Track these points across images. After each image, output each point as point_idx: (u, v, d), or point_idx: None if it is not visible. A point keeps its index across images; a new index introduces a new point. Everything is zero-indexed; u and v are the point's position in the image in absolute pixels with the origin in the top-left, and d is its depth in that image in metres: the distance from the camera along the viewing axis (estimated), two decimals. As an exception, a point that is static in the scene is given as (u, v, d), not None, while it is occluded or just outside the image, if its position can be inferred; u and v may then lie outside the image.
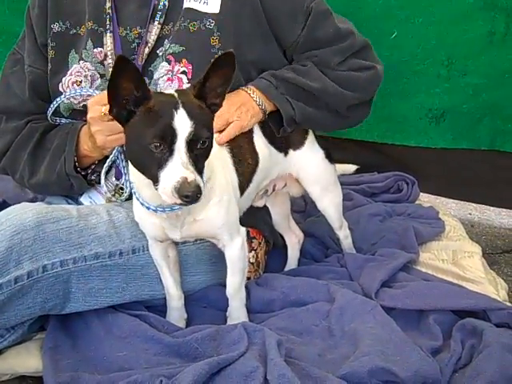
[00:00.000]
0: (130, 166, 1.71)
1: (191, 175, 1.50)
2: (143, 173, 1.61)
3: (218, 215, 1.81)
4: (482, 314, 1.88)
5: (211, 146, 1.62)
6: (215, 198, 1.79)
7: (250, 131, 2.03)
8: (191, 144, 1.54)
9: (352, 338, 1.78)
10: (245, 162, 1.96)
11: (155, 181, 1.56)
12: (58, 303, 1.81)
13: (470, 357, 1.70)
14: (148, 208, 1.72)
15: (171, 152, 1.53)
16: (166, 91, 1.66)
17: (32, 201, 2.27)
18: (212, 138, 1.61)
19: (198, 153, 1.56)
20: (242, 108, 2.00)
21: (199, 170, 1.55)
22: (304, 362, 1.69)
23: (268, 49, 2.12)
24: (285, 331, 1.86)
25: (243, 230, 1.94)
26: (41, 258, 1.75)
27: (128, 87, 1.56)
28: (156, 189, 1.56)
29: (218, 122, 1.86)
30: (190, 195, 1.50)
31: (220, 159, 1.86)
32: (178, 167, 1.51)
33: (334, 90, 2.12)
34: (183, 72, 2.02)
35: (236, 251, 1.89)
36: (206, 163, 1.64)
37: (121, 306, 1.93)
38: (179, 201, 1.52)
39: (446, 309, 1.87)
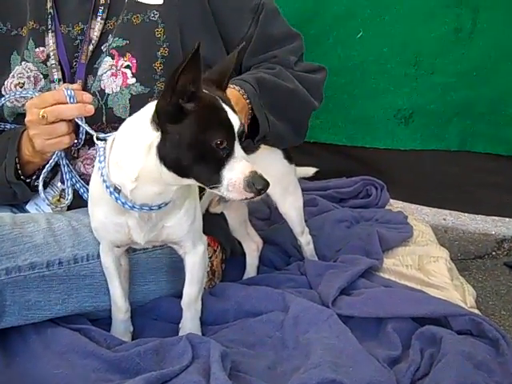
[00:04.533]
0: (139, 163, 1.55)
1: (258, 168, 1.48)
2: (189, 174, 1.50)
3: (187, 222, 1.74)
4: (443, 320, 1.79)
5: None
6: (186, 204, 1.71)
7: None
8: (240, 138, 1.50)
9: (305, 348, 1.68)
10: None
11: (214, 181, 1.47)
12: (-9, 317, 1.70)
13: (429, 366, 1.61)
14: (124, 204, 1.60)
15: (232, 148, 1.47)
16: None
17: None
18: None
19: (243, 146, 1.52)
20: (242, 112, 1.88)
21: None
22: (252, 375, 1.60)
23: (214, 46, 2.04)
24: (236, 343, 1.77)
25: (205, 237, 1.86)
26: None
27: (188, 80, 1.45)
28: (214, 188, 1.48)
29: None
30: (263, 188, 1.47)
31: None
32: (244, 162, 1.48)
33: (303, 92, 2.07)
34: (127, 66, 1.94)
35: (197, 259, 1.80)
36: None
37: (63, 319, 1.82)
38: (251, 195, 1.47)
39: (405, 316, 1.78)
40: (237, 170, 1.46)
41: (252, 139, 1.98)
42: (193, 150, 1.47)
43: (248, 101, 1.91)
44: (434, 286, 2.08)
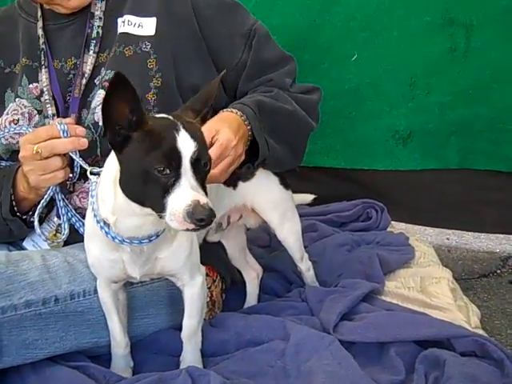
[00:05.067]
0: (110, 195, 1.55)
1: (203, 198, 1.40)
2: (143, 202, 1.47)
3: (182, 253, 1.71)
4: (446, 342, 1.75)
5: (210, 168, 1.51)
6: (179, 234, 1.68)
7: None
8: (196, 165, 1.43)
9: (307, 377, 1.65)
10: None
11: (160, 209, 1.42)
12: (-12, 358, 1.67)
13: (434, 390, 1.57)
14: (114, 238, 1.58)
15: (178, 175, 1.41)
16: (159, 115, 1.55)
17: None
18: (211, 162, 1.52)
19: (202, 175, 1.46)
20: (241, 140, 1.88)
21: (205, 193, 1.44)
22: (254, 406, 1.57)
23: (207, 74, 2.03)
24: (237, 374, 1.73)
25: (203, 268, 1.83)
26: None
27: (123, 110, 1.44)
28: (160, 217, 1.43)
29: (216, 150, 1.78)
30: (205, 218, 1.37)
31: None
32: (187, 190, 1.40)
33: (301, 113, 2.07)
34: None
35: (196, 290, 1.78)
36: None
37: (61, 357, 1.79)
38: (192, 226, 1.39)
39: (407, 339, 1.75)
40: (178, 198, 1.40)
41: (252, 163, 1.97)
42: (138, 177, 1.45)
43: (248, 126, 1.90)
44: (437, 307, 2.03)
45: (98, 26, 2.03)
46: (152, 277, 1.81)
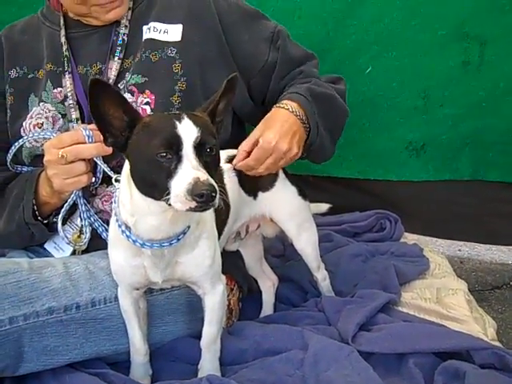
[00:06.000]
0: (127, 195, 1.59)
1: (204, 175, 1.41)
2: (153, 193, 1.49)
3: (205, 262, 1.73)
4: (465, 354, 1.75)
5: (219, 157, 1.55)
6: (201, 241, 1.71)
7: (220, 171, 1.93)
8: (199, 149, 1.45)
9: (326, 387, 1.65)
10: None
11: (166, 193, 1.43)
12: (10, 364, 1.68)
13: (454, 403, 1.58)
14: (135, 242, 1.60)
15: (179, 158, 1.43)
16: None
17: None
18: (218, 149, 1.53)
19: (208, 160, 1.48)
20: (294, 138, 1.93)
21: (211, 176, 1.44)
22: (274, 415, 1.57)
23: None
24: (256, 383, 1.73)
25: (223, 277, 1.85)
26: None
27: (115, 113, 1.50)
28: (168, 204, 1.44)
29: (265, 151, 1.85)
30: (204, 193, 1.38)
31: None
32: (188, 170, 1.42)
33: (340, 99, 2.14)
34: (146, 103, 1.97)
35: (217, 298, 1.79)
36: None
37: (80, 364, 1.80)
38: (194, 204, 1.39)
39: (426, 351, 1.75)
40: (180, 179, 1.42)
41: None
42: (144, 167, 1.49)
43: (300, 115, 1.95)
44: (454, 319, 2.04)
45: (124, 34, 2.06)
46: (173, 283, 1.82)
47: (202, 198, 1.39)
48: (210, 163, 1.48)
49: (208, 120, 1.57)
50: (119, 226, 1.64)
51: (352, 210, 3.01)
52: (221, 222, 1.85)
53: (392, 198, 3.01)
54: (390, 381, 1.69)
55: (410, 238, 2.93)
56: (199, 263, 1.72)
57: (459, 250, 3.38)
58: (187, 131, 1.45)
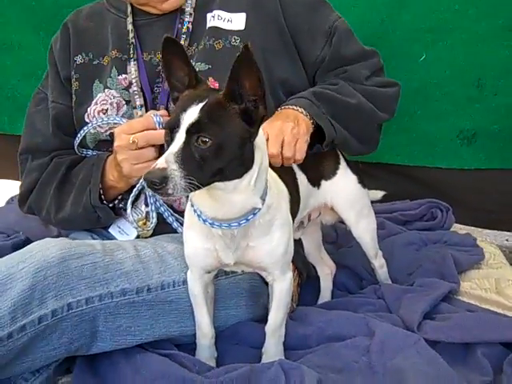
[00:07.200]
0: None
1: (163, 163, 1.38)
2: None
3: (278, 249, 1.72)
4: (533, 345, 1.76)
5: (219, 152, 1.45)
6: (275, 228, 1.70)
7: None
8: (190, 137, 1.42)
9: (395, 375, 1.65)
10: (294, 196, 1.86)
11: None
12: (84, 343, 1.72)
13: (525, 393, 1.59)
14: (204, 221, 1.61)
15: (171, 141, 1.43)
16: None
17: (56, 238, 2.21)
18: (222, 144, 1.44)
19: (199, 152, 1.42)
20: (293, 121, 1.91)
21: (191, 170, 1.40)
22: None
23: (294, 67, 2.12)
24: (323, 368, 1.74)
25: (291, 264, 1.85)
26: (65, 296, 1.66)
27: (180, 71, 1.55)
28: None
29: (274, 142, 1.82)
30: (147, 180, 1.37)
31: (282, 192, 1.78)
32: (163, 156, 1.40)
33: (368, 106, 2.11)
34: None
35: (286, 285, 1.80)
36: (268, 191, 1.60)
37: (149, 344, 1.84)
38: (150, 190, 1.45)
39: (495, 341, 1.76)
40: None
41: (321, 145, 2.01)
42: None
43: (305, 114, 1.94)
44: (518, 309, 2.03)
45: (188, 22, 2.08)
46: (243, 268, 1.82)
47: (150, 184, 1.39)
48: (202, 156, 1.42)
49: (227, 109, 1.47)
50: (192, 206, 1.66)
51: (401, 197, 3.01)
52: (293, 213, 1.86)
53: (441, 185, 3.00)
54: (458, 369, 1.68)
55: (458, 227, 2.93)
56: (272, 250, 1.72)
57: (506, 240, 3.37)
58: (189, 115, 1.43)
